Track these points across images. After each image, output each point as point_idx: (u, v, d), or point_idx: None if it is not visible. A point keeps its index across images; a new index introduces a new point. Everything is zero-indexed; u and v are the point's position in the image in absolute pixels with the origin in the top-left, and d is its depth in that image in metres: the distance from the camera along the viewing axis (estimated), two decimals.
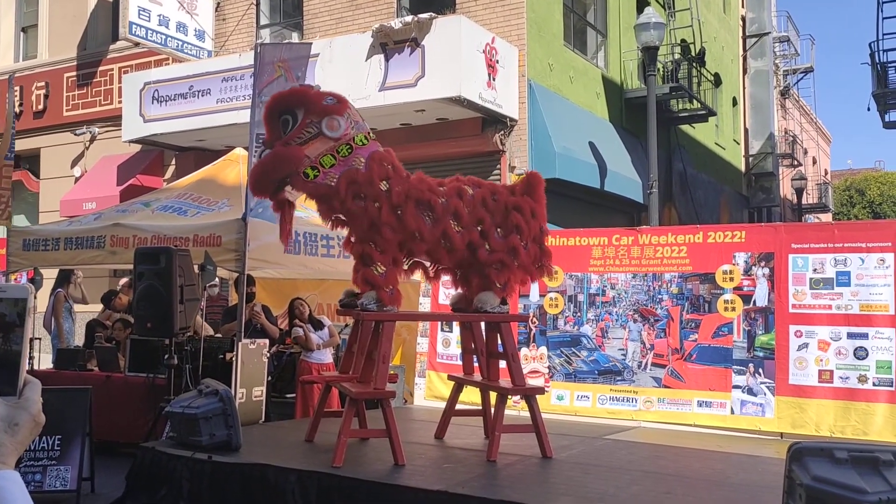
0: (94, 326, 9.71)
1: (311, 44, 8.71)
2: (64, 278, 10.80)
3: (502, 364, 6.49)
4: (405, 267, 6.02)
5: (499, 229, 5.95)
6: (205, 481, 5.82)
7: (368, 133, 5.82)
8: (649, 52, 13.00)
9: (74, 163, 16.32)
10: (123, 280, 10.64)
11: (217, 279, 9.11)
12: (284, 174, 5.53)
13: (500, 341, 6.26)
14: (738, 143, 23.98)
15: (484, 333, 6.52)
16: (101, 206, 12.87)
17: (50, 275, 10.51)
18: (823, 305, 7.65)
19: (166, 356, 7.48)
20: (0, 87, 15.70)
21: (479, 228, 5.87)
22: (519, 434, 6.22)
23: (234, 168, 9.22)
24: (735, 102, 23.45)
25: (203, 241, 7.64)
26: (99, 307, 11.03)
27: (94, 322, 9.88)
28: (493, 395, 6.50)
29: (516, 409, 7.51)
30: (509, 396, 6.25)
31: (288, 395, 8.89)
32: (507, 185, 6.81)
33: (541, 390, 6.66)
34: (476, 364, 6.75)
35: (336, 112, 5.61)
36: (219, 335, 8.83)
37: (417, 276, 6.67)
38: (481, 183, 6.20)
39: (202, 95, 12.97)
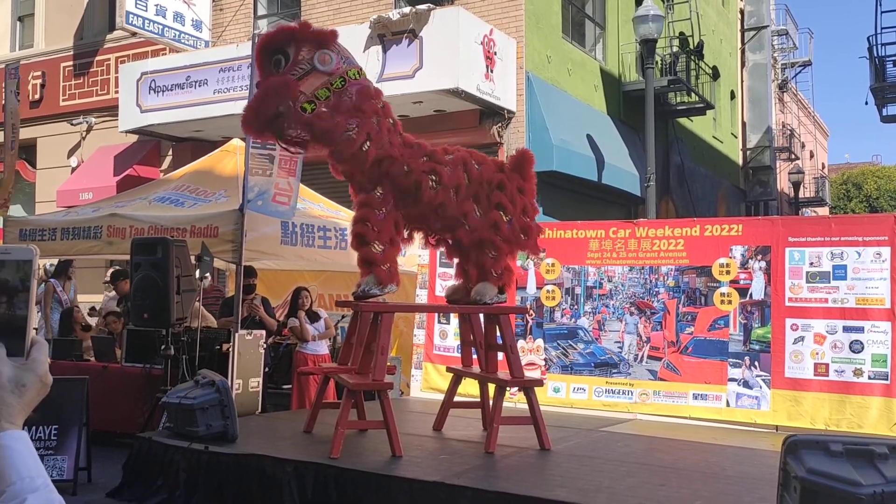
0: (70, 314, 9.71)
1: None
2: (61, 271, 10.77)
3: (500, 356, 6.51)
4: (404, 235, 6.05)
5: (477, 208, 5.97)
6: (201, 472, 5.83)
7: (360, 69, 5.83)
8: (647, 45, 12.98)
9: (71, 153, 16.28)
10: (110, 270, 10.62)
11: (209, 270, 9.07)
12: (279, 103, 5.44)
13: (498, 333, 6.27)
14: (736, 137, 23.98)
15: (483, 325, 6.52)
16: (97, 196, 12.85)
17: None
18: (820, 299, 7.66)
19: (163, 347, 7.48)
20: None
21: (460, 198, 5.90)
22: (516, 426, 6.24)
23: (232, 159, 9.20)
24: (733, 96, 23.45)
25: (200, 231, 7.64)
26: (89, 298, 11.01)
27: (67, 312, 9.86)
28: (491, 387, 6.51)
29: (513, 400, 7.52)
30: (507, 388, 6.26)
31: (284, 387, 8.90)
32: (496, 160, 6.78)
33: (539, 382, 6.67)
34: (475, 356, 6.76)
35: (326, 45, 5.61)
36: (215, 326, 8.83)
37: (417, 246, 6.70)
38: (471, 154, 6.24)
39: (199, 86, 12.94)
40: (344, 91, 5.57)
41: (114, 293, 10.44)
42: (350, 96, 5.60)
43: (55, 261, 10.57)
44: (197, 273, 7.49)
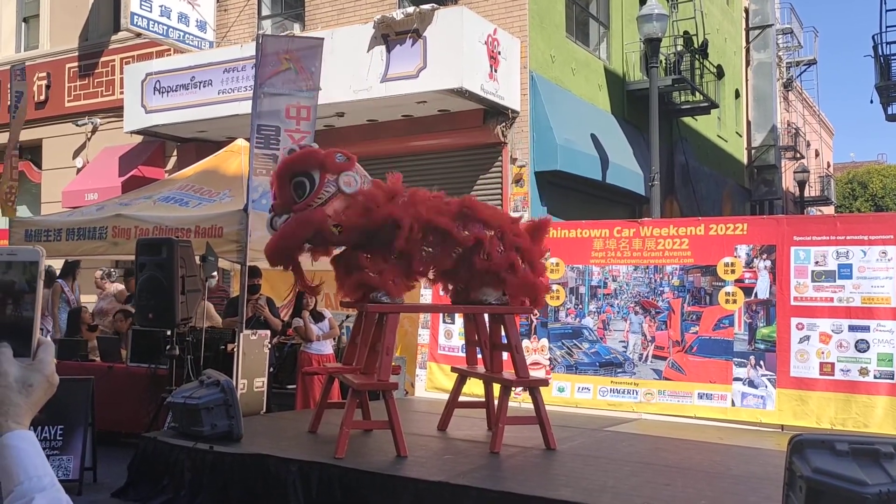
0: (78, 313, 9.75)
1: (322, 39, 8.68)
2: (67, 271, 10.82)
3: (505, 356, 6.51)
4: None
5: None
6: (206, 471, 5.84)
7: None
8: (652, 44, 12.96)
9: (76, 154, 16.32)
10: (97, 273, 10.68)
11: (216, 270, 9.10)
12: (307, 236, 5.57)
13: (503, 333, 6.27)
14: (741, 136, 23.93)
15: (488, 325, 6.52)
16: (102, 196, 12.87)
17: (53, 265, 10.53)
18: (825, 298, 7.65)
19: (168, 347, 7.50)
20: (4, 78, 15.69)
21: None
22: (520, 426, 6.24)
23: (236, 159, 9.22)
24: (738, 94, 23.40)
25: (205, 232, 7.65)
26: (93, 299, 11.04)
27: (75, 311, 9.90)
28: (496, 387, 6.51)
29: (517, 400, 7.52)
30: (512, 388, 6.26)
31: (289, 387, 8.91)
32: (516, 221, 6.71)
33: (544, 382, 6.67)
34: (479, 356, 6.76)
35: (350, 168, 5.67)
36: (219, 326, 8.85)
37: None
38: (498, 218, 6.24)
39: (204, 86, 12.95)
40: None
41: (106, 293, 10.49)
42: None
43: (61, 261, 10.61)
44: (202, 273, 7.50)
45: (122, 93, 14.59)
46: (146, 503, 6.01)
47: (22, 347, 1.11)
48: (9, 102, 9.71)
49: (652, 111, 12.73)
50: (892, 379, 7.31)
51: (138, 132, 14.33)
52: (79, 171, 16.00)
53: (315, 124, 8.05)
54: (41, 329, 1.17)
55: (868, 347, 7.41)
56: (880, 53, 16.50)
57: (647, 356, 8.38)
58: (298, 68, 7.59)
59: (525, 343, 8.70)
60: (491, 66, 11.54)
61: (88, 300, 11.47)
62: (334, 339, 8.98)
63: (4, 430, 1.06)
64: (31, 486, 1.04)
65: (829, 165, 39.65)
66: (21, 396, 1.08)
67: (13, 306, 1.12)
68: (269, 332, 8.20)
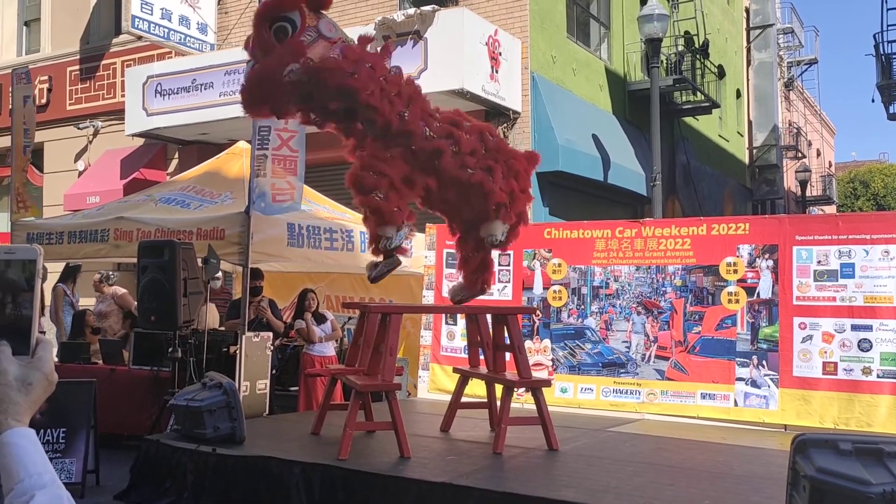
0: (82, 316, 9.77)
1: None
2: (68, 275, 10.84)
3: (507, 356, 6.50)
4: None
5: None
6: (209, 474, 5.84)
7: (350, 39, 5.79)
8: (653, 44, 12.95)
9: (78, 157, 16.33)
10: (95, 276, 10.72)
11: (220, 272, 9.12)
12: (289, 64, 5.25)
13: (506, 334, 6.26)
14: (742, 136, 23.92)
15: (490, 326, 6.52)
16: (104, 199, 12.88)
17: (54, 269, 10.54)
18: (828, 297, 7.64)
19: (170, 349, 7.50)
20: (4, 82, 15.71)
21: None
22: (522, 426, 6.23)
23: (238, 161, 9.23)
24: (739, 94, 23.38)
25: (207, 234, 7.66)
26: (92, 302, 11.06)
27: (80, 314, 9.92)
28: (498, 388, 6.50)
29: (519, 401, 7.51)
30: (514, 389, 6.26)
31: (292, 388, 8.91)
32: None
33: (547, 383, 6.66)
34: (482, 357, 6.76)
35: (326, 6, 5.56)
36: (223, 328, 8.85)
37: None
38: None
39: (205, 89, 12.97)
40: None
41: (104, 296, 10.52)
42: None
43: (62, 265, 10.63)
44: (204, 275, 7.50)
45: (123, 96, 14.61)
46: None
47: (21, 346, 1.11)
48: (10, 106, 9.69)
49: (653, 111, 12.73)
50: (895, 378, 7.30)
51: (140, 135, 14.34)
52: (80, 174, 16.01)
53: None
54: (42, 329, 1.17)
55: (871, 347, 7.40)
56: (881, 52, 16.48)
57: (649, 356, 8.37)
58: None
59: (527, 344, 8.70)
60: (492, 67, 11.54)
61: (86, 303, 11.48)
62: (336, 340, 8.98)
63: (4, 427, 1.06)
64: (32, 484, 1.04)
65: (830, 165, 39.62)
66: (20, 394, 1.08)
67: (12, 305, 1.12)
68: (271, 334, 8.20)
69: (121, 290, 10.58)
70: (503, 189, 5.98)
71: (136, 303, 9.80)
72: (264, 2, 5.55)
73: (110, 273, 10.89)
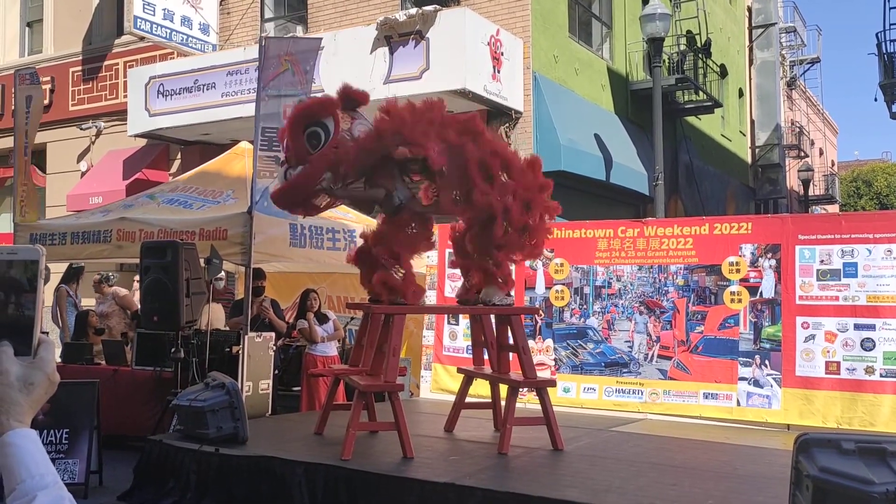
0: (85, 316, 9.79)
1: (320, 38, 8.70)
2: (71, 276, 10.87)
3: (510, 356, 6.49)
4: None
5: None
6: (212, 474, 5.84)
7: None
8: (655, 44, 12.94)
9: (80, 157, 16.35)
10: (95, 277, 10.77)
11: (223, 272, 9.13)
12: (323, 173, 5.43)
13: (510, 334, 6.26)
14: (745, 135, 23.89)
15: (494, 326, 6.52)
16: (107, 200, 12.89)
17: (57, 269, 10.56)
18: (830, 297, 7.62)
19: (173, 350, 7.50)
20: (8, 83, 15.73)
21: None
22: (525, 426, 6.23)
23: (240, 161, 9.23)
24: (741, 94, 23.36)
25: (209, 234, 7.66)
26: (90, 303, 11.11)
27: (83, 314, 9.94)
28: (503, 388, 6.50)
29: (522, 401, 7.51)
30: (519, 389, 6.25)
31: (294, 389, 8.91)
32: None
33: (552, 383, 6.66)
34: (486, 357, 6.75)
35: (363, 103, 5.61)
36: (226, 328, 8.86)
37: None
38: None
39: (207, 89, 12.98)
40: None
41: (104, 297, 10.59)
42: None
43: (65, 265, 10.66)
44: (206, 275, 7.51)
45: (125, 96, 14.62)
46: None
47: (23, 346, 1.11)
48: (13, 107, 9.70)
49: (655, 111, 12.72)
50: None
51: (142, 135, 14.36)
52: (83, 174, 16.04)
53: None
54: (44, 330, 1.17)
55: (874, 346, 7.39)
56: (884, 51, 16.46)
57: (652, 356, 8.36)
58: (296, 69, 7.60)
59: (530, 343, 8.69)
60: (494, 67, 11.54)
61: (87, 304, 11.53)
62: (339, 340, 8.98)
63: (6, 428, 1.06)
64: (34, 485, 1.04)
65: (833, 164, 39.57)
66: (22, 395, 1.08)
67: (14, 305, 1.12)
68: (273, 334, 8.21)
69: (122, 291, 10.61)
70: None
71: (138, 303, 9.88)
72: (297, 108, 5.62)
73: (110, 274, 10.94)
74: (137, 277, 11.09)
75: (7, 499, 1.04)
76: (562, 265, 8.81)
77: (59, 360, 9.22)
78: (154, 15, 13.63)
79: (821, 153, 35.74)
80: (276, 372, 8.26)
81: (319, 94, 6.04)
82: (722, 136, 21.29)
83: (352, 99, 5.56)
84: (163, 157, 15.38)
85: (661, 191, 12.52)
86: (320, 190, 5.53)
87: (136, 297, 10.50)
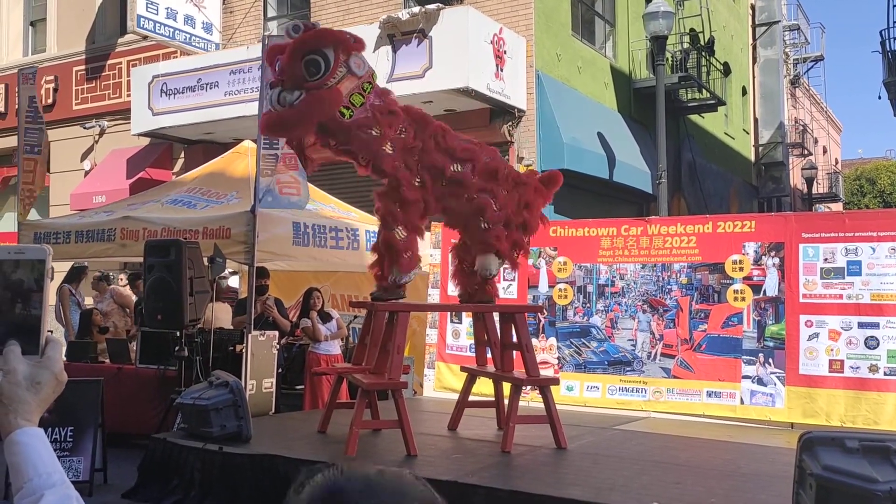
0: (89, 315, 9.83)
1: None
2: (74, 276, 10.90)
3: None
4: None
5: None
6: (215, 472, 5.85)
7: (374, 71, 5.87)
8: (658, 42, 12.93)
9: (84, 156, 16.37)
10: (94, 275, 10.82)
11: (227, 271, 9.15)
12: (326, 116, 5.44)
13: (513, 332, 6.26)
14: (748, 133, 23.85)
15: (498, 324, 6.52)
16: (110, 199, 12.91)
17: (61, 268, 10.59)
18: (834, 295, 7.62)
19: (177, 348, 7.52)
20: (12, 82, 15.76)
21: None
22: (528, 424, 6.23)
23: (243, 161, 9.24)
24: (744, 92, 23.32)
25: (212, 233, 7.67)
26: (89, 302, 11.16)
27: (87, 313, 9.98)
28: (506, 386, 6.50)
29: (525, 399, 7.51)
30: (523, 387, 6.25)
31: (298, 387, 8.93)
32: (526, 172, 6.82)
33: (555, 381, 6.66)
34: (489, 355, 6.75)
35: (360, 49, 5.64)
36: (230, 327, 8.87)
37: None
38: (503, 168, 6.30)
39: (210, 88, 12.99)
40: (371, 94, 5.62)
41: (103, 295, 10.66)
42: (380, 100, 5.65)
43: (69, 264, 10.69)
44: (210, 274, 7.52)
45: (129, 95, 14.63)
46: None
47: (30, 345, 1.12)
48: (17, 106, 9.72)
49: (658, 109, 12.70)
50: None
51: (146, 134, 14.38)
52: (87, 173, 16.06)
53: None
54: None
55: (878, 344, 7.38)
56: (888, 49, 16.42)
57: (655, 354, 8.36)
58: None
59: (533, 342, 8.70)
60: (497, 66, 11.53)
61: (87, 303, 11.57)
62: (342, 339, 8.99)
63: (14, 426, 1.07)
64: (41, 483, 1.04)
65: (836, 162, 39.49)
66: (30, 393, 1.09)
67: (21, 304, 1.13)
68: (277, 332, 8.22)
69: (120, 289, 10.67)
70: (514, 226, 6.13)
71: (133, 297, 9.96)
72: (301, 37, 5.59)
73: (109, 273, 11.00)
74: (122, 276, 11.21)
75: (15, 497, 1.05)
76: (565, 263, 8.81)
77: (63, 358, 9.25)
78: (157, 14, 13.64)
79: (824, 151, 35.68)
80: (280, 370, 8.27)
81: (312, 24, 6.00)
82: (725, 134, 21.26)
83: (353, 43, 5.61)
84: (166, 156, 15.39)
85: (664, 189, 12.51)
86: (317, 125, 5.52)
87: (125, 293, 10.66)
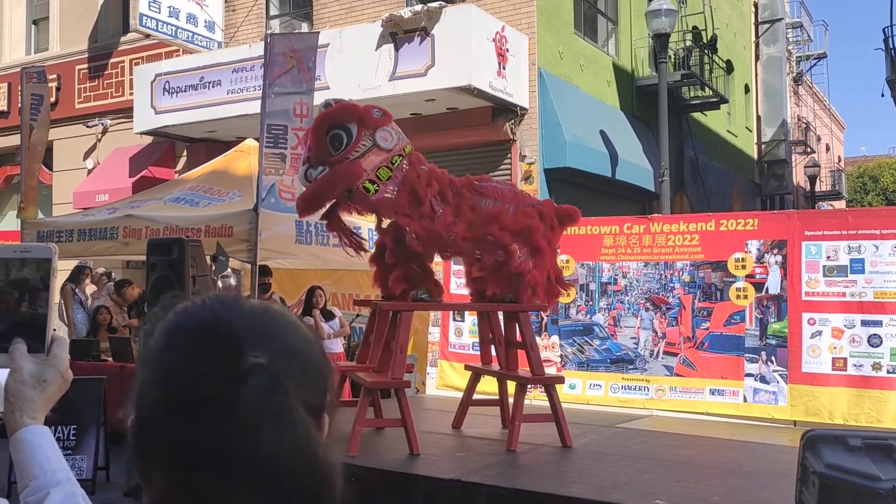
0: (97, 311, 9.86)
1: (318, 33, 8.70)
2: (76, 275, 10.94)
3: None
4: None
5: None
6: None
7: (409, 143, 5.86)
8: (660, 40, 12.91)
9: (87, 155, 16.39)
10: (99, 269, 10.87)
11: (229, 269, 9.15)
12: (345, 190, 5.56)
13: (518, 330, 6.27)
14: (751, 131, 23.83)
15: (502, 323, 6.52)
16: (113, 197, 12.92)
17: (64, 266, 10.60)
18: (837, 293, 7.61)
19: None
20: (14, 81, 15.77)
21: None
22: (531, 423, 6.23)
23: (245, 159, 9.24)
24: (747, 89, 23.29)
25: (215, 231, 7.67)
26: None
27: (96, 310, 10.00)
28: (511, 385, 6.50)
29: (528, 398, 7.51)
30: (527, 386, 6.26)
31: None
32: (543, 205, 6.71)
33: (560, 379, 6.66)
34: (493, 354, 6.76)
35: (386, 124, 5.66)
36: None
37: None
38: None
39: (213, 87, 12.99)
40: (400, 168, 5.63)
41: (97, 291, 10.73)
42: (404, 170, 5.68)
43: (72, 263, 10.73)
44: (212, 273, 7.52)
45: (131, 94, 14.65)
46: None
47: (36, 343, 1.12)
48: (20, 104, 9.72)
49: (661, 107, 12.69)
50: None
51: (148, 133, 14.39)
52: (89, 172, 16.07)
53: None
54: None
55: (881, 342, 7.38)
56: (891, 46, 16.40)
57: (658, 352, 8.36)
58: (300, 67, 7.61)
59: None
60: (499, 64, 11.52)
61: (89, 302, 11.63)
62: (344, 337, 8.99)
63: (19, 425, 1.07)
64: (47, 481, 1.05)
65: (839, 160, 39.44)
66: (35, 392, 1.09)
67: (27, 303, 1.14)
68: None
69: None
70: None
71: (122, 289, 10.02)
72: (324, 112, 5.71)
73: (111, 271, 11.06)
74: (103, 272, 11.30)
75: (21, 494, 1.05)
76: (567, 262, 8.81)
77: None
78: (160, 12, 13.65)
79: (827, 149, 35.64)
80: None
81: (344, 99, 6.04)
82: (728, 132, 21.24)
83: (379, 118, 5.66)
84: (168, 154, 15.40)
85: (666, 187, 12.50)
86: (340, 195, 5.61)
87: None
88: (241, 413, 0.78)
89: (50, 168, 16.95)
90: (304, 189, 5.68)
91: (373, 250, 6.29)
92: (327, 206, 5.76)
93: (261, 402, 0.79)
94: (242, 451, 0.78)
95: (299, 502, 0.81)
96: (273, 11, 15.15)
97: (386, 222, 5.98)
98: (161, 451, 0.81)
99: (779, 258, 7.90)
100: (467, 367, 7.35)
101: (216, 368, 0.81)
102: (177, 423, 0.81)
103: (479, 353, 7.08)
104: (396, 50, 11.44)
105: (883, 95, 17.45)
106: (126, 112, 15.11)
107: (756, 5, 24.73)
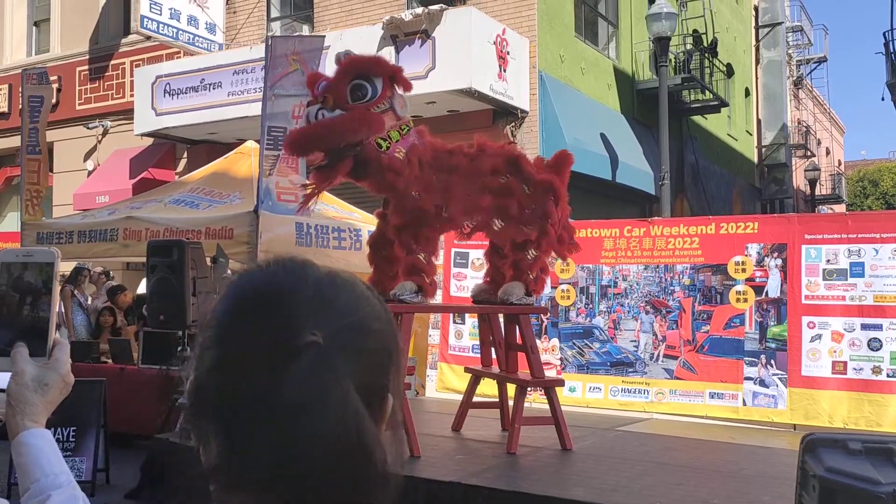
0: (100, 314, 9.88)
1: (323, 36, 8.72)
2: (74, 277, 10.95)
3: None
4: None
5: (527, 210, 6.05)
6: None
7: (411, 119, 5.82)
8: (661, 43, 12.93)
9: (87, 156, 16.40)
10: (97, 268, 10.89)
11: (229, 271, 9.14)
12: (364, 136, 5.26)
13: (518, 333, 6.26)
14: (751, 134, 23.85)
15: (502, 325, 6.52)
16: (113, 199, 12.93)
17: (63, 268, 10.61)
18: (837, 296, 7.61)
19: (179, 348, 7.52)
20: (15, 82, 15.79)
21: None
22: (531, 426, 6.23)
23: (246, 161, 9.26)
24: (748, 93, 23.32)
25: (215, 233, 7.68)
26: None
27: (100, 312, 10.03)
28: (511, 388, 6.50)
29: (528, 400, 7.51)
30: (527, 389, 6.25)
31: None
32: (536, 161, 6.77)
33: (560, 382, 6.65)
34: (494, 356, 6.75)
35: (408, 90, 5.57)
36: None
37: None
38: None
39: (213, 88, 13.00)
40: (407, 138, 5.54)
41: (96, 290, 10.75)
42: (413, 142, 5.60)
43: (72, 264, 10.75)
44: (213, 274, 7.52)
45: (132, 95, 14.66)
46: None
47: (38, 347, 1.13)
48: (20, 106, 9.73)
49: (661, 110, 12.71)
50: None
51: (149, 135, 14.40)
52: (90, 173, 16.09)
53: None
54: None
55: (881, 346, 7.38)
56: (891, 50, 16.42)
57: (658, 356, 8.36)
58: (304, 69, 7.61)
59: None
60: (500, 66, 11.54)
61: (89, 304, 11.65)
62: None
63: (21, 428, 1.07)
64: (48, 484, 1.05)
65: (839, 163, 39.47)
66: (37, 395, 1.10)
67: (29, 307, 1.14)
68: None
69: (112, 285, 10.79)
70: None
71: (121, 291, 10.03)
72: (353, 57, 5.45)
73: (110, 271, 11.08)
74: (101, 271, 11.32)
75: (22, 497, 1.06)
76: (568, 264, 8.81)
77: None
78: (161, 14, 13.66)
79: (827, 153, 35.66)
80: None
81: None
82: (728, 135, 21.26)
83: (400, 82, 5.54)
84: (169, 156, 15.41)
85: (666, 190, 12.51)
86: (346, 147, 5.26)
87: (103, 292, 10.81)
88: (285, 392, 0.75)
89: (50, 169, 16.95)
90: (307, 125, 5.25)
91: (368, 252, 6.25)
92: (326, 153, 5.33)
93: (308, 383, 0.75)
94: (283, 431, 0.75)
95: (338, 495, 0.76)
96: (274, 14, 15.16)
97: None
98: (212, 418, 0.79)
99: (779, 262, 7.90)
100: (467, 370, 7.34)
101: (270, 342, 0.77)
102: (227, 392, 0.78)
103: (478, 355, 7.07)
104: (397, 52, 11.45)
105: (883, 99, 17.47)
106: (127, 114, 15.13)
107: (756, 9, 24.76)
